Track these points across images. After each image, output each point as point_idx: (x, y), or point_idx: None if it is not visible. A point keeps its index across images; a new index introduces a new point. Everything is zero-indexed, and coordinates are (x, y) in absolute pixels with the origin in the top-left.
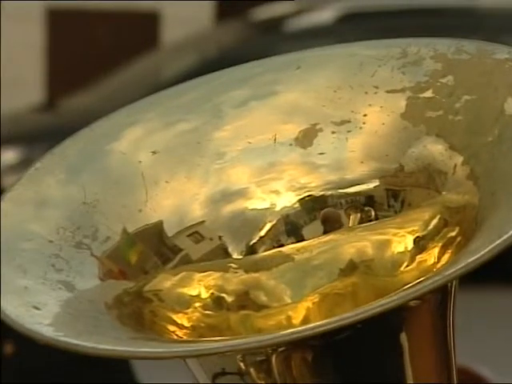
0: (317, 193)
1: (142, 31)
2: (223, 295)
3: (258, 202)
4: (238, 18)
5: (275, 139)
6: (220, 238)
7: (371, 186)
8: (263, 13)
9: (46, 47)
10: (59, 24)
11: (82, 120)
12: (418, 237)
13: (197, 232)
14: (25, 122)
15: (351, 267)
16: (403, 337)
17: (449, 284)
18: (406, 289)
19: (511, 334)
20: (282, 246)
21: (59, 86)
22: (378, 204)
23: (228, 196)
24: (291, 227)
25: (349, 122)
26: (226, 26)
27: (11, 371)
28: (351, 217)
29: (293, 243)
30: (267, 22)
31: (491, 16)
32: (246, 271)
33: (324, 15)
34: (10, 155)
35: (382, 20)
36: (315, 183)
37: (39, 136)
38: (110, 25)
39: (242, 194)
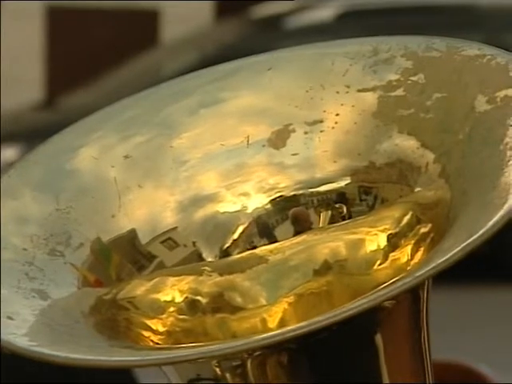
0: (287, 193)
1: (141, 29)
2: (198, 298)
3: (228, 205)
4: (238, 15)
5: (248, 141)
6: (194, 243)
7: (343, 183)
8: (263, 10)
9: (46, 45)
10: (59, 22)
11: (81, 118)
12: (390, 234)
13: (170, 238)
14: (24, 120)
15: (325, 267)
16: (378, 337)
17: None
18: (378, 290)
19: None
20: (255, 247)
21: (59, 84)
22: (350, 200)
23: (198, 201)
24: (263, 228)
25: (321, 121)
26: (225, 24)
27: (11, 371)
28: (322, 214)
29: (266, 245)
30: (267, 19)
31: (491, 14)
32: (221, 274)
33: (323, 13)
34: (10, 153)
35: (381, 18)
36: (285, 183)
37: (39, 134)
38: (110, 23)
39: (212, 198)
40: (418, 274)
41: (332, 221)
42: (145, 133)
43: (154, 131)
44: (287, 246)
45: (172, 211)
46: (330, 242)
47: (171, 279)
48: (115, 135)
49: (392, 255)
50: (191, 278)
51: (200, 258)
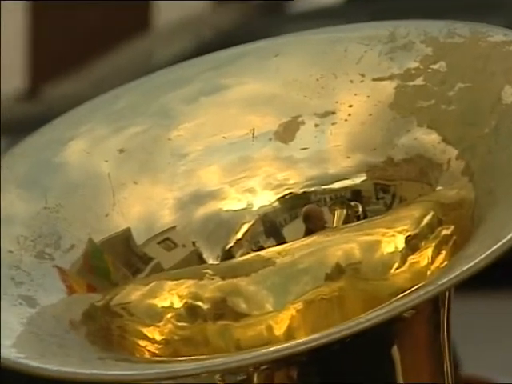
0: (297, 190)
1: (132, 13)
2: (198, 304)
3: (232, 202)
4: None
5: (253, 133)
6: (193, 243)
7: (358, 180)
8: None
9: (30, 31)
10: (43, 6)
11: (68, 109)
12: (409, 236)
13: (168, 239)
14: (7, 112)
15: (338, 271)
16: (395, 350)
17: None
18: (397, 299)
19: None
20: (261, 248)
21: (43, 72)
22: (366, 199)
23: (199, 198)
24: (271, 228)
25: (333, 113)
26: (224, 8)
27: (11, 371)
28: (336, 213)
29: (273, 245)
30: (269, 3)
31: None
32: (223, 277)
33: None
34: None
35: (391, 1)
36: (295, 179)
37: (22, 126)
38: (98, 6)
39: (214, 195)
40: (441, 282)
41: (346, 220)
42: (139, 124)
43: (150, 122)
44: (296, 248)
45: (170, 209)
46: (343, 244)
47: (169, 283)
48: (107, 127)
49: (411, 259)
50: (191, 281)
51: (201, 260)
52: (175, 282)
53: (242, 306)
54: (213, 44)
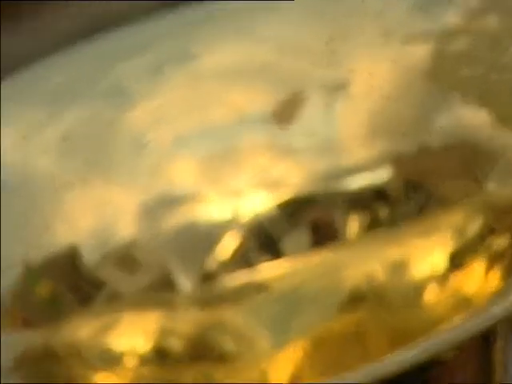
0: (300, 189)
1: None
2: (169, 342)
3: (213, 207)
4: None
5: (239, 115)
6: (162, 262)
7: (381, 175)
8: None
9: None
10: None
11: None
12: (450, 249)
13: (128, 257)
14: None
15: (355, 298)
16: None
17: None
18: (433, 335)
19: None
20: (253, 269)
21: None
22: (392, 200)
23: (169, 203)
24: (265, 241)
25: (347, 85)
26: None
27: None
28: (353, 220)
29: (269, 265)
30: None
31: None
32: (202, 307)
33: None
34: None
35: None
36: (296, 176)
37: None
38: None
39: (188, 198)
40: (494, 311)
41: (366, 230)
42: (86, 105)
43: (100, 102)
44: (300, 268)
45: (130, 217)
46: (362, 262)
47: (130, 316)
48: (43, 110)
49: (452, 279)
50: (159, 313)
51: (172, 285)
52: (138, 314)
53: (228, 344)
54: None
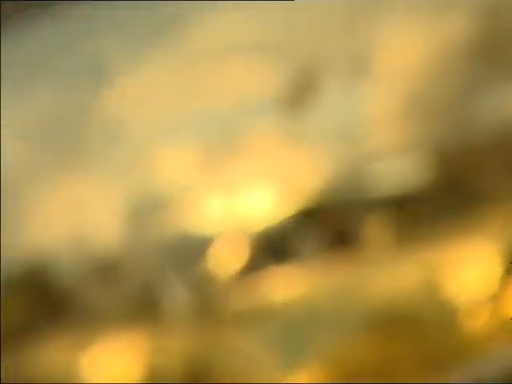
0: (314, 188)
1: None
2: (160, 373)
3: (207, 209)
4: None
5: (238, 99)
6: (146, 276)
7: (413, 169)
8: None
9: None
10: None
11: None
12: (504, 256)
13: (106, 270)
14: None
15: (381, 317)
16: None
17: None
18: (479, 363)
19: None
20: (256, 282)
21: None
22: (428, 200)
23: (155, 205)
24: (271, 250)
25: (371, 63)
26: None
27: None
28: (379, 225)
29: (276, 278)
30: None
31: None
32: (197, 330)
33: None
34: None
35: None
36: (310, 172)
37: None
38: None
39: (178, 198)
40: None
41: (395, 236)
42: (53, 86)
43: (70, 82)
44: (315, 284)
45: (108, 222)
46: (390, 274)
47: (111, 342)
48: (5, 89)
49: (508, 292)
50: (146, 338)
51: (156, 301)
52: (118, 337)
53: (231, 370)
54: None
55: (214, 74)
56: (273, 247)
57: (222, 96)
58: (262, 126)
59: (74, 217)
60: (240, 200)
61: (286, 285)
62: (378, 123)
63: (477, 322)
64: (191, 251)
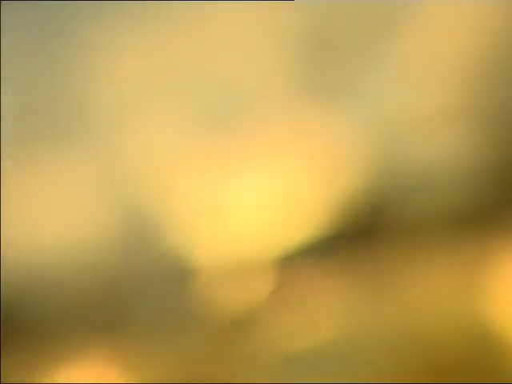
0: (349, 187)
1: None
2: None
3: (208, 216)
4: None
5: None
6: (137, 298)
7: (473, 164)
8: None
9: None
10: None
11: None
12: None
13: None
14: None
15: (428, 343)
16: None
17: None
18: None
19: None
20: (277, 308)
21: None
22: (496, 202)
23: (138, 208)
24: (293, 269)
25: (410, 39)
26: None
27: None
28: (436, 236)
29: (304, 306)
30: None
31: None
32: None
33: None
34: None
35: None
36: (344, 168)
37: None
38: None
39: (172, 201)
40: None
41: (453, 245)
42: (35, 70)
43: (56, 63)
44: (355, 310)
45: (89, 225)
46: (444, 292)
47: (77, 355)
48: None
49: None
50: (114, 351)
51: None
52: (86, 351)
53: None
54: None
55: (220, 50)
56: (292, 265)
57: (225, 74)
58: (275, 111)
59: (42, 214)
60: (248, 204)
61: (310, 332)
62: (426, 112)
63: None
64: (176, 271)
